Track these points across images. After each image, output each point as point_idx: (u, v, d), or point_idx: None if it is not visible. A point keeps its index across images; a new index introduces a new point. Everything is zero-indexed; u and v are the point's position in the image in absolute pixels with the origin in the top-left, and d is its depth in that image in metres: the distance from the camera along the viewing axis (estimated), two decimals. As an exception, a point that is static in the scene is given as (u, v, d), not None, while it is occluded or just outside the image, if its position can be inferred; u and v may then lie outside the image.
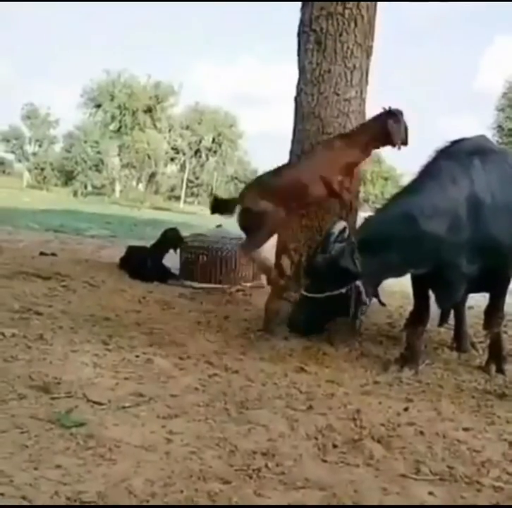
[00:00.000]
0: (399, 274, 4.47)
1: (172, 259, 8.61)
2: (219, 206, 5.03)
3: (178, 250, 8.52)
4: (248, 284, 8.09)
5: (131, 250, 8.78)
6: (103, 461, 2.59)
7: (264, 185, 4.84)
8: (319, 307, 4.38)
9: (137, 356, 4.21)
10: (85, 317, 5.30)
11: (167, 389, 3.58)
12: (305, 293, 4.51)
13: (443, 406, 3.75)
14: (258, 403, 3.51)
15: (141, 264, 8.09)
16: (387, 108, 4.73)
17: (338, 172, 4.73)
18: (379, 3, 5.20)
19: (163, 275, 8.12)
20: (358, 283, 4.23)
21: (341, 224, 4.45)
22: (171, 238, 8.56)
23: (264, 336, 5.17)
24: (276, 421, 3.23)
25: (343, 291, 4.25)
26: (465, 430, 3.33)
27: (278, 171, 4.89)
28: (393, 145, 4.76)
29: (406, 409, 3.59)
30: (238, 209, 4.83)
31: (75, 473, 2.45)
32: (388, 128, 4.67)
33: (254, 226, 4.80)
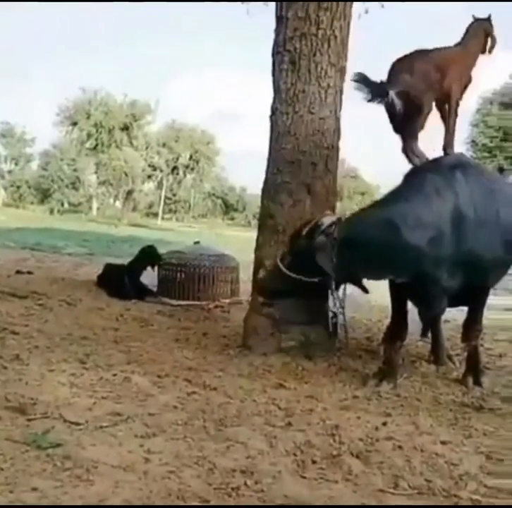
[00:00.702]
0: (377, 277, 4.49)
1: (149, 277, 8.57)
2: (372, 88, 4.48)
3: (156, 268, 8.49)
4: (226, 300, 8.09)
5: (108, 268, 8.73)
6: (80, 482, 2.56)
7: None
8: (290, 281, 4.41)
9: (115, 375, 4.17)
10: (62, 335, 5.26)
11: (145, 408, 3.56)
12: (280, 265, 4.51)
13: (421, 419, 3.76)
14: (237, 420, 3.50)
15: (118, 281, 8.04)
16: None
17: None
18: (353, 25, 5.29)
19: (141, 292, 8.08)
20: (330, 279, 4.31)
21: (332, 218, 4.40)
22: (148, 255, 8.54)
23: (243, 352, 5.18)
24: (255, 438, 3.22)
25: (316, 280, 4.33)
26: (443, 443, 3.34)
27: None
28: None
29: (384, 423, 3.59)
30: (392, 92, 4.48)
31: (52, 496, 2.42)
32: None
33: (410, 111, 4.57)
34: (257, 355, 5.04)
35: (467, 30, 5.11)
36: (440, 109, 5.01)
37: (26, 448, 2.83)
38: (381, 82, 4.49)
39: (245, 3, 7.57)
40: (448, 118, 5.03)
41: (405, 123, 4.65)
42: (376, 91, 4.41)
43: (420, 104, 4.60)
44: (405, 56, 4.72)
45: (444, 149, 4.94)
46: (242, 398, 3.92)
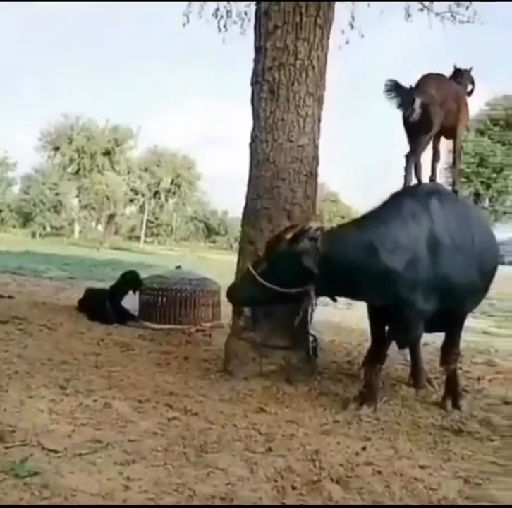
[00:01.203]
0: (354, 297, 4.52)
1: (131, 301, 8.55)
2: (402, 94, 4.68)
3: (137, 292, 8.48)
4: (208, 324, 8.09)
5: (89, 293, 8.70)
6: (58, 511, 2.54)
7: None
8: (261, 290, 4.29)
9: (95, 400, 4.15)
10: (42, 361, 5.22)
11: (125, 434, 3.53)
12: (252, 271, 4.34)
13: (400, 443, 3.79)
14: (217, 446, 3.49)
15: (100, 306, 8.01)
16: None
17: None
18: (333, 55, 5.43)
19: (122, 317, 8.04)
20: (310, 289, 4.22)
21: (318, 224, 4.40)
22: (129, 280, 8.53)
23: (224, 376, 5.18)
24: (235, 464, 3.22)
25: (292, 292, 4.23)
26: (422, 467, 3.37)
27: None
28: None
29: (364, 448, 3.61)
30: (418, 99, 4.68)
31: (29, 525, 2.39)
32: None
33: (422, 125, 4.77)
34: (238, 379, 5.05)
35: (459, 76, 5.42)
36: (435, 138, 5.21)
37: (4, 476, 2.81)
38: (411, 88, 4.71)
39: (222, 32, 7.82)
40: (454, 156, 5.42)
41: (415, 134, 4.86)
42: (405, 97, 4.63)
43: (431, 122, 4.81)
44: (434, 75, 5.07)
45: (452, 184, 5.34)
46: (223, 424, 3.91)
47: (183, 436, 3.59)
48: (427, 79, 4.97)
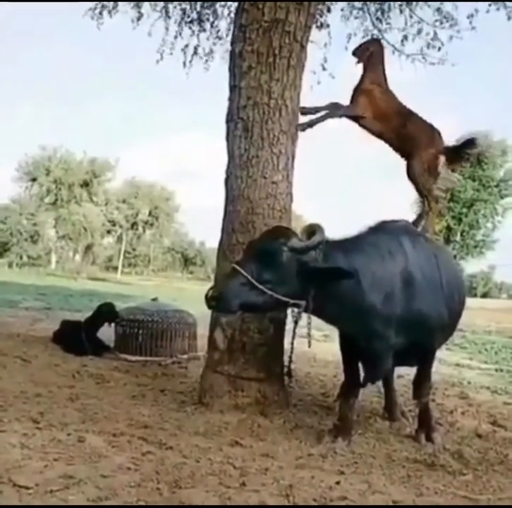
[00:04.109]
0: (330, 321, 4.46)
1: (107, 333, 8.50)
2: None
3: (113, 324, 8.45)
4: (184, 356, 8.07)
5: (65, 325, 8.66)
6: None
7: None
8: (254, 295, 3.95)
9: (69, 434, 4.10)
10: (15, 394, 5.16)
11: (98, 470, 3.48)
12: (240, 270, 3.96)
13: (374, 477, 3.80)
14: (191, 481, 3.46)
15: (75, 338, 7.96)
16: None
17: None
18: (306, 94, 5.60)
19: (98, 349, 8.00)
20: (301, 304, 4.04)
21: (322, 235, 4.11)
22: (105, 312, 8.50)
23: (200, 409, 5.16)
24: (209, 500, 3.20)
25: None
26: (395, 502, 3.39)
27: None
28: None
29: (338, 482, 3.61)
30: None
31: None
32: None
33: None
34: (213, 412, 5.03)
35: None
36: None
37: (-27, 514, 2.77)
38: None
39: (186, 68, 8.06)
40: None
41: None
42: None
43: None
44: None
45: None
46: (197, 458, 3.88)
47: (157, 471, 3.56)
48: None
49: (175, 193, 67.13)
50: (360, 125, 5.74)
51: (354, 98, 5.74)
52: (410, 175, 5.54)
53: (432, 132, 5.55)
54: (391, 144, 5.73)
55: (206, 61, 8.14)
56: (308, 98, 5.64)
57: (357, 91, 5.75)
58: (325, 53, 7.42)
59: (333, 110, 5.66)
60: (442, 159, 5.51)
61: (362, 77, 5.85)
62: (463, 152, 5.69)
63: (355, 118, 5.74)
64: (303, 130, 5.50)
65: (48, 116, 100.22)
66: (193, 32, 8.04)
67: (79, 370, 6.67)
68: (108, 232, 64.64)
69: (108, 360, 7.60)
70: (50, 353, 7.62)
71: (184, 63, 8.17)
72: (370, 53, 5.82)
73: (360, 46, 6.12)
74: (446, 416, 5.64)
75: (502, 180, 44.04)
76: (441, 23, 6.62)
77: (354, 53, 6.05)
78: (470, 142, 5.64)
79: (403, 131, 5.57)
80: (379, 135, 5.73)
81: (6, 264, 54.33)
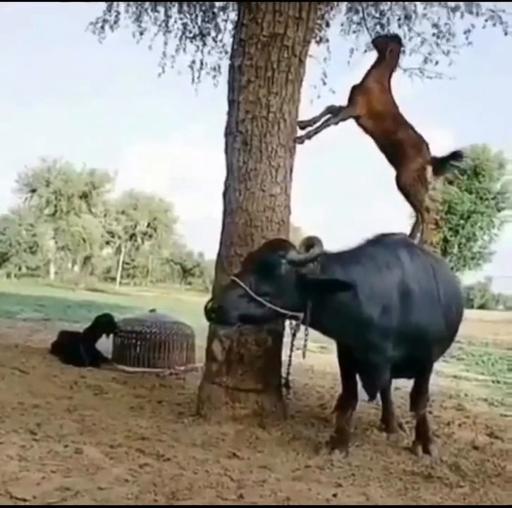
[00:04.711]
0: (325, 332, 4.47)
1: (105, 344, 8.50)
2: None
3: (111, 335, 8.46)
4: (182, 367, 8.08)
5: (63, 335, 8.67)
6: None
7: None
8: (254, 308, 3.96)
9: (66, 446, 4.09)
10: (13, 405, 5.16)
11: (95, 482, 3.49)
12: (240, 283, 3.96)
13: (371, 490, 3.80)
14: (189, 493, 3.47)
15: (73, 349, 7.97)
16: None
17: None
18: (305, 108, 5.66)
19: (96, 360, 8.00)
20: (299, 316, 4.06)
21: (321, 248, 4.14)
22: (103, 323, 8.52)
23: (197, 420, 5.16)
24: (206, 512, 3.21)
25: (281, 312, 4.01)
26: (392, 514, 3.39)
27: None
28: None
29: (335, 495, 3.61)
30: None
31: None
32: None
33: None
34: (211, 423, 5.03)
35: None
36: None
37: (-30, 526, 2.77)
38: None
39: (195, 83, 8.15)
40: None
41: None
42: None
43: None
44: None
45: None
46: (194, 469, 3.88)
47: (154, 483, 3.56)
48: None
49: (174, 205, 67.41)
50: (358, 123, 5.74)
51: (352, 98, 5.71)
52: (400, 185, 5.58)
53: (420, 143, 5.59)
54: (383, 150, 5.74)
55: (214, 76, 8.22)
56: (308, 112, 5.71)
57: (357, 89, 5.72)
58: (325, 67, 7.47)
59: (331, 117, 5.66)
60: (429, 169, 5.56)
61: (368, 72, 5.80)
62: (449, 164, 5.75)
63: (354, 116, 5.73)
64: (301, 142, 5.54)
65: (47, 125, 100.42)
66: (197, 47, 8.13)
67: (77, 381, 6.67)
68: (107, 243, 64.86)
69: (106, 372, 7.60)
70: (48, 364, 7.63)
71: (192, 79, 8.25)
72: (390, 50, 5.78)
73: (380, 37, 6.14)
74: (443, 428, 5.65)
75: (499, 192, 44.38)
76: (438, 38, 6.70)
77: (374, 43, 6.10)
78: (456, 154, 5.70)
79: (393, 137, 5.61)
80: (371, 135, 5.74)
81: (5, 275, 54.31)
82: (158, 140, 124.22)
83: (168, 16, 7.95)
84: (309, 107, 5.88)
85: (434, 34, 6.77)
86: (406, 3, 6.97)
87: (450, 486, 4.02)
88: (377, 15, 7.21)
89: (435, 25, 6.84)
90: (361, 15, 7.29)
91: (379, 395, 5.34)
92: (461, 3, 6.23)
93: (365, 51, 7.48)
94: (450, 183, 42.12)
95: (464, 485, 4.06)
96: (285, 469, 4.10)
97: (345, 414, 4.70)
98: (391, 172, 5.66)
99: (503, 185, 44.75)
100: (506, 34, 6.10)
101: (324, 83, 7.39)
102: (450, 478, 4.18)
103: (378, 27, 7.21)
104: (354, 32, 7.64)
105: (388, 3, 7.12)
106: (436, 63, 6.95)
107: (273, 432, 4.97)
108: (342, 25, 7.70)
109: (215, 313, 4.00)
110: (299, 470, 4.11)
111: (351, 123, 5.70)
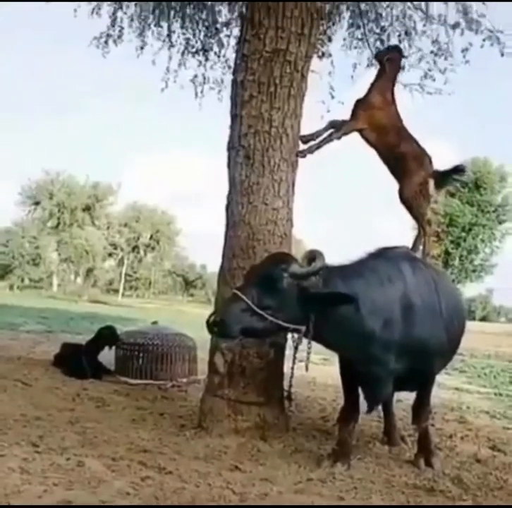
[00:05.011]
0: (327, 345, 4.46)
1: (107, 356, 8.51)
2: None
3: (114, 347, 8.47)
4: (184, 380, 8.07)
5: (66, 348, 8.69)
6: None
7: None
8: (256, 321, 3.97)
9: (68, 459, 4.09)
10: (16, 417, 5.16)
11: (97, 495, 3.48)
12: (242, 296, 3.97)
13: (373, 503, 3.81)
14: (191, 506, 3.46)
15: (76, 361, 7.99)
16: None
17: None
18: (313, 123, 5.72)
19: (99, 372, 8.01)
20: (301, 329, 4.07)
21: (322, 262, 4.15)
22: (106, 335, 8.53)
23: (199, 433, 5.15)
24: (208, 525, 3.20)
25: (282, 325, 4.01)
26: (394, 527, 3.39)
27: None
28: None
29: (337, 508, 3.62)
30: None
31: None
32: None
33: None
34: (213, 436, 5.03)
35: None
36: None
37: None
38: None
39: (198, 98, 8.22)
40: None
41: None
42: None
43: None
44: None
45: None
46: (196, 483, 3.88)
47: (156, 496, 3.56)
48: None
49: (177, 217, 67.61)
50: (361, 136, 5.78)
51: (355, 112, 5.75)
52: (402, 198, 5.61)
53: (423, 157, 5.63)
54: (386, 163, 5.78)
55: (219, 91, 8.29)
56: (315, 127, 5.77)
57: (360, 103, 5.75)
58: (330, 82, 7.53)
59: (334, 132, 5.70)
60: (432, 182, 5.59)
61: (371, 86, 5.84)
62: (451, 177, 5.80)
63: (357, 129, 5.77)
64: (304, 156, 5.58)
65: (51, 138, 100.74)
66: (200, 62, 8.21)
67: (79, 393, 6.68)
68: (110, 255, 64.99)
69: (109, 384, 7.60)
70: (50, 376, 7.64)
71: (196, 94, 8.33)
72: (387, 59, 5.83)
73: (381, 51, 6.27)
74: (445, 441, 5.63)
75: (500, 205, 44.63)
76: (436, 55, 6.76)
77: (376, 57, 6.22)
78: (458, 169, 5.74)
79: (396, 151, 5.65)
80: (375, 148, 5.78)
81: (8, 287, 54.38)
82: (161, 153, 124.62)
83: (171, 31, 8.03)
84: (318, 122, 5.93)
85: (432, 52, 6.83)
86: (406, 20, 7.03)
87: (452, 499, 4.02)
88: (378, 31, 7.28)
89: (435, 42, 6.89)
90: (363, 30, 7.35)
91: (380, 407, 5.36)
92: (462, 21, 6.28)
93: (367, 65, 7.55)
94: (452, 195, 42.35)
95: (466, 499, 4.05)
96: (288, 482, 4.09)
97: (347, 426, 4.70)
98: (394, 184, 5.69)
99: (504, 197, 45.02)
100: (502, 55, 6.16)
101: (333, 97, 7.44)
102: (452, 491, 4.17)
103: (378, 43, 7.27)
104: (355, 47, 7.71)
105: (389, 19, 7.19)
106: (434, 79, 7.01)
107: (275, 444, 4.97)
108: (344, 40, 7.78)
109: (217, 327, 4.02)
110: (301, 483, 4.11)
111: (354, 135, 5.74)
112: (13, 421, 5.01)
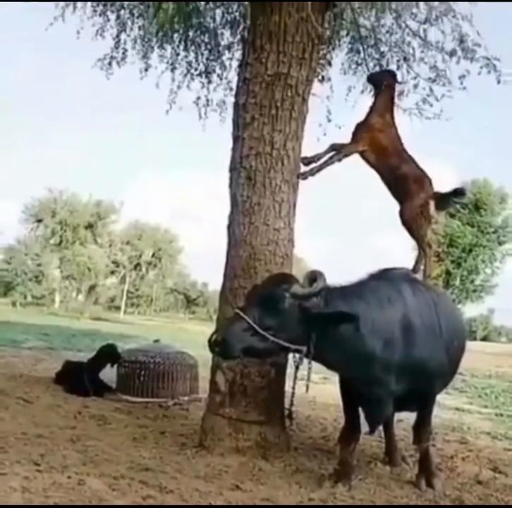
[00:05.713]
0: (328, 365, 4.49)
1: (108, 374, 8.52)
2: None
3: (115, 365, 8.49)
4: (185, 398, 8.08)
5: (67, 365, 8.71)
6: None
7: None
8: (257, 341, 3.98)
9: (70, 477, 4.07)
10: (17, 435, 5.16)
11: (98, 514, 3.47)
12: (243, 315, 4.00)
13: (374, 523, 3.80)
14: (191, 526, 3.47)
15: (77, 378, 8.00)
16: None
17: None
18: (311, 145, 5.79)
19: (100, 389, 8.02)
20: (302, 349, 4.09)
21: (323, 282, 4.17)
22: (107, 353, 8.56)
23: (200, 452, 5.15)
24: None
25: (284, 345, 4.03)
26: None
27: None
28: None
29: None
30: None
31: None
32: None
33: None
34: (214, 455, 5.03)
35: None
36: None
37: None
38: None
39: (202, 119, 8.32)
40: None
41: None
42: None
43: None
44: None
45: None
46: (197, 502, 3.87)
47: (157, 515, 3.57)
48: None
49: (179, 236, 67.86)
50: (362, 157, 5.84)
51: (355, 134, 5.81)
52: (403, 220, 5.66)
53: (424, 179, 5.68)
54: (387, 184, 5.83)
55: (221, 112, 8.38)
56: (314, 149, 5.83)
57: (361, 126, 5.83)
58: (329, 105, 7.61)
59: (334, 155, 5.78)
60: (432, 204, 5.65)
61: (370, 108, 5.92)
62: (451, 200, 5.87)
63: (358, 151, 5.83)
64: (305, 178, 5.65)
65: (54, 156, 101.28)
66: (203, 84, 8.30)
67: (80, 410, 6.68)
68: (112, 273, 65.17)
69: (110, 402, 7.61)
70: (52, 393, 7.65)
71: (199, 115, 8.42)
72: (386, 85, 5.90)
73: (373, 73, 6.37)
74: (446, 462, 5.60)
75: (500, 226, 44.83)
76: (434, 81, 6.83)
77: (368, 79, 6.37)
78: (458, 191, 5.81)
79: (397, 172, 5.70)
80: (375, 169, 5.83)
81: (10, 304, 54.38)
82: (163, 173, 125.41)
83: (176, 54, 8.14)
84: (315, 144, 6.01)
85: (429, 78, 6.92)
86: (404, 45, 7.12)
87: (453, 520, 4.01)
88: (377, 56, 7.38)
89: (432, 68, 6.97)
90: (362, 55, 7.45)
91: (381, 427, 5.37)
92: (458, 49, 6.37)
93: (365, 90, 7.61)
94: (452, 216, 42.52)
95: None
96: (289, 502, 4.10)
97: (348, 446, 4.70)
98: (394, 204, 5.75)
99: (504, 219, 45.23)
100: (498, 82, 6.24)
101: (329, 120, 7.51)
102: (453, 512, 4.17)
103: (377, 68, 7.35)
104: (354, 72, 7.80)
105: (388, 45, 7.28)
106: (431, 105, 7.09)
107: (276, 464, 4.97)
108: (342, 64, 7.88)
109: (219, 346, 4.05)
110: (302, 503, 4.10)
111: (355, 156, 5.81)
112: (14, 439, 5.00)
